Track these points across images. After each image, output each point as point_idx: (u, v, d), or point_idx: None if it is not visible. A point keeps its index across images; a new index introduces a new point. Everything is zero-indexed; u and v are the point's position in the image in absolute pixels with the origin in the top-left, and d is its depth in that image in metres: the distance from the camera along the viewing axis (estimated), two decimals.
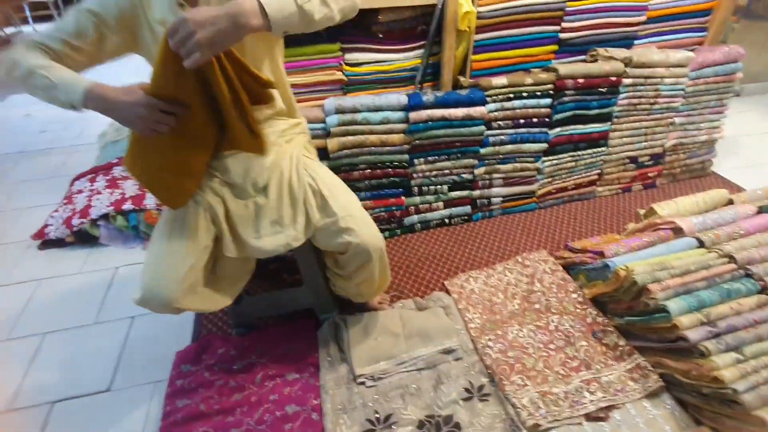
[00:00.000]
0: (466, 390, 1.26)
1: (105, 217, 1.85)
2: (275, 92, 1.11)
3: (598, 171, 2.05)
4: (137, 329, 1.52)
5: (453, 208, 1.92)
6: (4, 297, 1.68)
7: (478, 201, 1.94)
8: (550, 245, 1.82)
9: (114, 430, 1.22)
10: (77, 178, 2.19)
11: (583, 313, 1.47)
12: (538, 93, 1.77)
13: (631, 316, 1.35)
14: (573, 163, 1.97)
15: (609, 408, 1.21)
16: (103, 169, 2.15)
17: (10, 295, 1.68)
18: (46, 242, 1.89)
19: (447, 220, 1.94)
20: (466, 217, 1.95)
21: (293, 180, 1.14)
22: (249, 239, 1.11)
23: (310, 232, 1.14)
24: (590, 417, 1.20)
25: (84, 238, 1.88)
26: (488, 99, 1.72)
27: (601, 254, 1.51)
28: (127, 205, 1.84)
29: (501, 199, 1.96)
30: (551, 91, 1.79)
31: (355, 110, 1.63)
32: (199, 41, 0.76)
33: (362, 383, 1.29)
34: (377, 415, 1.21)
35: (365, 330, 1.42)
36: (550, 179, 1.99)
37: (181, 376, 1.30)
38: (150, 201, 1.88)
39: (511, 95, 1.75)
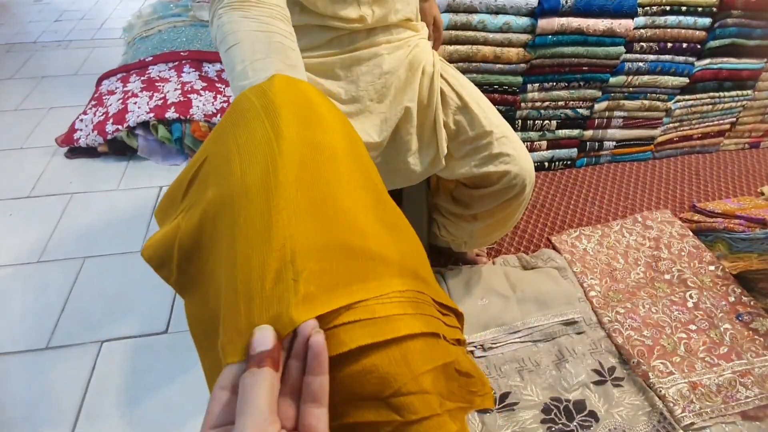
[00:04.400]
0: (596, 372, 1.05)
1: (144, 124, 1.54)
2: None
3: (734, 119, 1.70)
4: None
5: (557, 150, 1.60)
6: (29, 213, 1.43)
7: (587, 143, 1.61)
8: (670, 204, 1.52)
9: (172, 373, 1.03)
10: (105, 76, 1.85)
11: (725, 291, 1.22)
12: (700, 9, 1.37)
13: None
14: (710, 107, 1.61)
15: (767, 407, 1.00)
16: (136, 67, 1.80)
17: (38, 210, 1.44)
18: (75, 149, 1.61)
19: (547, 164, 1.63)
20: (569, 162, 1.64)
21: (432, 91, 0.87)
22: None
23: (442, 162, 0.87)
24: (746, 415, 0.99)
25: (119, 148, 1.59)
26: (639, 10, 1.33)
27: (763, 223, 1.23)
28: (171, 113, 1.53)
29: (614, 143, 1.63)
30: (715, 8, 1.39)
31: (471, 9, 1.26)
32: None
33: (470, 352, 1.08)
34: (494, 392, 1.00)
35: (468, 288, 1.19)
36: (677, 124, 1.64)
37: None
38: (197, 110, 1.56)
39: (668, 8, 1.35)
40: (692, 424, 0.95)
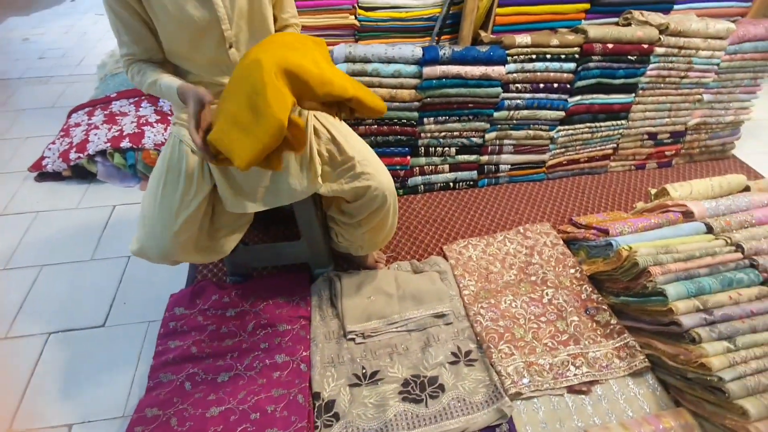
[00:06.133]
0: (453, 354, 1.28)
1: (102, 153, 1.81)
2: None
3: (614, 145, 1.97)
4: (133, 269, 1.53)
5: (459, 172, 1.87)
6: (2, 227, 1.68)
7: (485, 167, 1.88)
8: (554, 218, 1.78)
9: (108, 364, 1.25)
10: (75, 110, 2.12)
11: (579, 289, 1.46)
12: (563, 56, 1.66)
13: (627, 296, 1.34)
14: (589, 135, 1.89)
15: (592, 383, 1.23)
16: (101, 102, 2.08)
17: (7, 226, 1.68)
18: (43, 174, 1.86)
19: (451, 184, 1.89)
20: (471, 183, 1.90)
21: (307, 127, 1.13)
22: (256, 189, 1.10)
23: (319, 181, 1.15)
24: (572, 389, 1.22)
25: (81, 173, 1.85)
26: (509, 59, 1.61)
27: (606, 232, 1.48)
28: (125, 143, 1.79)
29: (509, 166, 1.90)
30: (576, 55, 1.67)
31: (366, 60, 1.54)
32: None
33: (352, 339, 1.31)
34: (364, 371, 1.23)
35: (359, 287, 1.43)
36: (562, 150, 1.91)
37: (174, 319, 1.32)
38: (148, 140, 1.83)
39: (534, 56, 1.64)
40: (518, 393, 1.18)
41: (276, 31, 1.12)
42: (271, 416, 1.08)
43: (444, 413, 1.14)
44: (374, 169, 1.18)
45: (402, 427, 1.10)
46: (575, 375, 1.24)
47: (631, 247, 1.32)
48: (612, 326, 1.34)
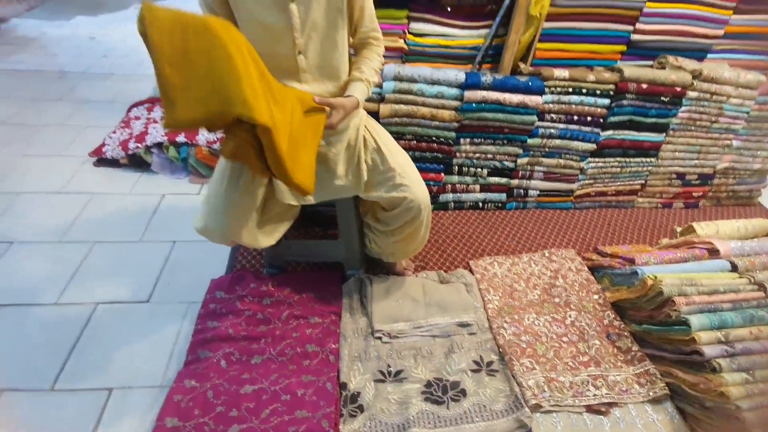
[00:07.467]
0: (476, 362, 1.32)
1: (159, 145, 1.95)
2: (343, 68, 1.21)
3: (642, 181, 2.03)
4: (177, 253, 1.63)
5: (489, 193, 1.94)
6: (61, 203, 1.81)
7: (515, 190, 1.96)
8: (579, 246, 1.83)
9: (149, 337, 1.33)
10: (135, 105, 2.29)
11: (601, 315, 1.50)
12: (598, 92, 1.75)
13: (649, 325, 1.37)
14: (618, 169, 1.95)
15: (611, 404, 1.25)
16: (160, 100, 2.24)
17: (65, 203, 1.81)
18: (102, 160, 2.01)
19: (480, 204, 1.96)
20: (499, 204, 1.97)
21: (358, 137, 1.24)
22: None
23: (363, 185, 1.25)
24: (591, 409, 1.24)
25: (137, 162, 1.99)
26: (546, 90, 1.71)
27: (632, 261, 1.52)
28: (181, 138, 1.93)
29: (538, 192, 1.97)
30: (611, 92, 1.76)
31: (412, 80, 1.65)
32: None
33: (379, 338, 1.36)
34: (389, 368, 1.28)
35: (388, 291, 1.49)
36: (591, 181, 1.98)
37: (214, 301, 1.40)
38: (201, 137, 1.96)
39: (570, 89, 1.73)
40: (539, 406, 1.21)
41: (356, 44, 1.24)
42: (301, 399, 1.14)
43: (464, 417, 1.18)
44: (412, 182, 1.26)
45: (423, 426, 1.14)
46: (594, 395, 1.26)
47: (656, 277, 1.36)
48: (633, 353, 1.36)
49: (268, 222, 1.27)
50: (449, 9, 1.71)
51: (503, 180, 1.91)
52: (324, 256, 1.53)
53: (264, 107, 0.88)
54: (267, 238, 1.28)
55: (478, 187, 1.92)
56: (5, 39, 3.21)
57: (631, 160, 1.94)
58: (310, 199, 1.27)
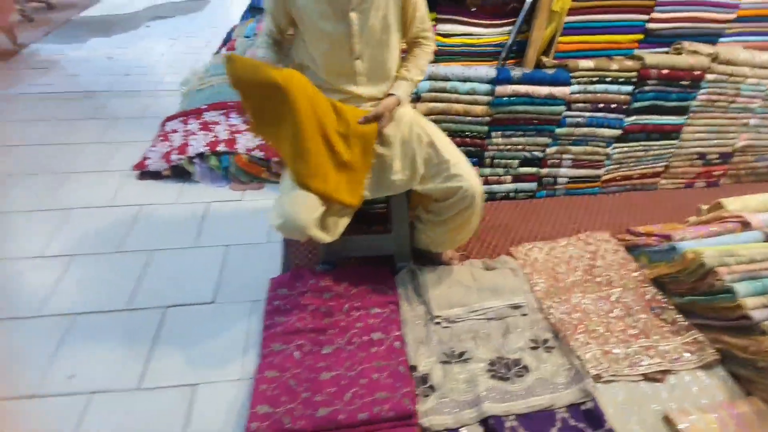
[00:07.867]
0: (532, 341, 1.39)
1: (200, 155, 2.02)
2: (394, 68, 1.33)
3: (665, 163, 2.10)
4: (232, 256, 1.70)
5: (519, 183, 2.02)
6: (112, 216, 1.88)
7: (544, 179, 2.03)
8: (610, 228, 1.90)
9: (221, 335, 1.40)
10: (168, 119, 2.36)
11: (643, 291, 1.57)
12: (621, 79, 1.83)
13: (693, 296, 1.44)
14: (643, 153, 2.03)
15: (665, 372, 1.32)
16: (193, 113, 2.32)
17: (116, 215, 1.89)
18: (145, 173, 2.08)
19: (512, 194, 2.04)
20: (530, 193, 2.05)
21: (411, 133, 1.31)
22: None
23: (418, 178, 1.32)
24: (647, 377, 1.31)
25: (179, 173, 2.06)
26: (572, 80, 1.79)
27: (668, 238, 1.60)
28: (221, 147, 2.01)
29: (567, 179, 2.04)
30: (634, 79, 1.84)
31: (446, 78, 1.73)
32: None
33: (438, 323, 1.43)
34: (453, 350, 1.35)
35: (440, 279, 1.56)
36: (617, 166, 2.06)
37: (278, 298, 1.47)
38: (240, 146, 2.04)
39: (595, 79, 1.81)
40: (599, 376, 1.28)
41: (407, 42, 1.34)
42: (377, 382, 1.21)
43: (530, 391, 1.25)
44: (465, 172, 1.34)
45: (494, 400, 1.21)
46: (649, 365, 1.33)
47: (696, 250, 1.43)
48: (679, 323, 1.43)
49: (333, 216, 1.34)
50: (474, 9, 1.80)
51: (533, 169, 1.99)
52: (377, 250, 1.60)
53: (320, 179, 1.22)
54: (329, 234, 1.35)
55: (509, 177, 2.00)
56: (28, 63, 3.29)
57: (655, 143, 2.01)
58: (368, 195, 1.34)
